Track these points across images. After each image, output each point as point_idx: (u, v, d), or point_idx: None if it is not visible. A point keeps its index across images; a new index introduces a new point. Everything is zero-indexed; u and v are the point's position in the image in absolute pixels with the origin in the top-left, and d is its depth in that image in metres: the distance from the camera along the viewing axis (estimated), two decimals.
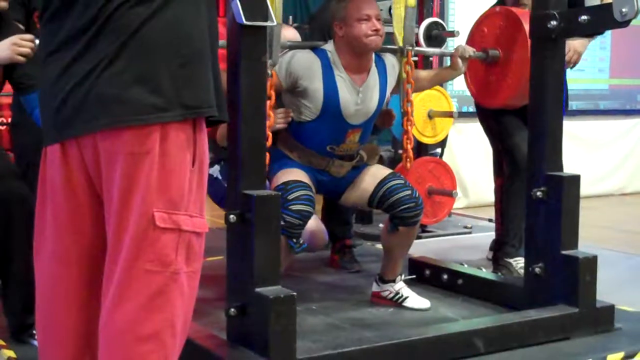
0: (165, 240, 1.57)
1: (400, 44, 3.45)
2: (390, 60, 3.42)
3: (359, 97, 3.23)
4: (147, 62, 1.54)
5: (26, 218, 2.72)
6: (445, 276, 3.71)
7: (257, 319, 2.53)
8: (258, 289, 2.53)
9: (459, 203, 5.88)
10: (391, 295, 3.45)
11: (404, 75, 3.46)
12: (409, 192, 3.25)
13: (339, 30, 3.20)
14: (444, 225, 5.26)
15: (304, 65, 3.17)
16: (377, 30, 3.15)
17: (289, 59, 3.15)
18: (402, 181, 3.30)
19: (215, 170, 3.42)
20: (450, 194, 4.91)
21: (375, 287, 3.51)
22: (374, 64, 3.31)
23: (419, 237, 5.02)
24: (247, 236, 2.56)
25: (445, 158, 5.50)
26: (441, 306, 3.44)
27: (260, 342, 2.51)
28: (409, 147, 3.65)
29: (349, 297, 3.59)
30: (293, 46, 3.26)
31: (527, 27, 3.43)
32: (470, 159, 6.08)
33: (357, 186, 3.36)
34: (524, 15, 3.56)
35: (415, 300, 3.42)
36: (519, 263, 3.90)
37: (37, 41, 2.33)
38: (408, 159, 3.69)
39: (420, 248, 4.70)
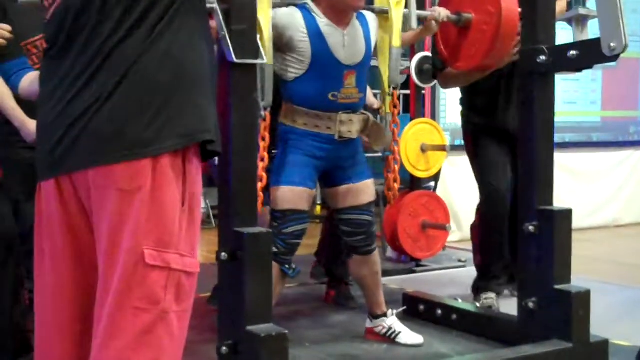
0: (155, 278, 1.56)
1: (386, 85, 3.43)
2: (370, 15, 3.40)
3: (344, 39, 3.22)
4: (141, 96, 1.55)
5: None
6: (439, 311, 3.69)
7: (249, 357, 2.51)
8: (250, 327, 2.51)
9: (453, 236, 5.87)
10: (384, 330, 3.43)
11: (389, 114, 3.46)
12: (365, 229, 3.34)
13: None
14: (438, 259, 5.25)
15: (286, 17, 3.16)
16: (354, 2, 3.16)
17: (272, 15, 3.11)
18: (369, 219, 3.36)
19: None
20: (444, 228, 4.92)
21: (368, 323, 3.50)
22: (354, 17, 3.30)
23: (412, 272, 5.04)
24: (239, 274, 2.55)
25: (438, 192, 5.50)
26: (435, 342, 3.43)
27: None
28: (395, 185, 3.66)
29: (342, 334, 3.57)
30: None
31: None
32: (463, 192, 6.08)
33: (340, 192, 3.35)
34: None
35: (408, 335, 3.41)
36: (487, 299, 3.90)
37: None
38: (393, 197, 3.72)
39: (414, 282, 4.70)
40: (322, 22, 3.19)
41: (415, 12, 3.42)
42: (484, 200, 4.03)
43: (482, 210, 4.06)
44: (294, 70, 3.20)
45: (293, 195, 3.17)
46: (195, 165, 1.66)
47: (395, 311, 3.48)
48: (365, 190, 3.37)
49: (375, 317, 3.46)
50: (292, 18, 3.17)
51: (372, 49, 3.38)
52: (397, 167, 3.63)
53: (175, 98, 1.58)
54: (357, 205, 3.33)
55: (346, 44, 3.22)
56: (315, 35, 3.17)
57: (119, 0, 1.56)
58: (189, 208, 1.63)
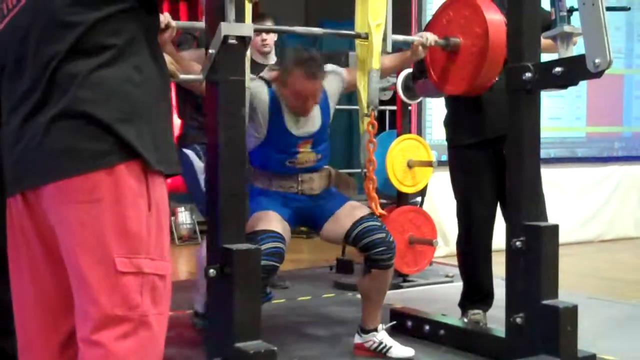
0: (129, 284, 1.62)
1: (364, 106, 3.45)
2: (329, 82, 3.45)
3: (299, 121, 3.35)
4: (91, 113, 1.59)
5: None
6: (427, 327, 3.70)
7: None
8: (238, 344, 2.51)
9: (440, 252, 5.88)
10: (374, 345, 3.44)
11: (367, 135, 3.49)
12: (383, 235, 3.30)
13: (279, 87, 3.31)
14: (425, 274, 5.25)
15: (257, 88, 3.28)
16: (310, 105, 3.30)
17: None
18: (379, 223, 3.35)
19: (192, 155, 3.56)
20: (430, 243, 4.93)
21: (357, 339, 3.50)
22: None
23: (399, 287, 5.04)
24: (227, 290, 2.55)
25: (425, 207, 5.51)
26: (423, 357, 3.43)
27: None
28: (373, 207, 3.66)
29: (331, 350, 3.57)
30: None
31: (488, 15, 3.47)
32: (450, 208, 6.08)
33: (335, 221, 3.39)
34: (485, 4, 3.55)
35: (399, 349, 3.42)
36: (475, 315, 3.92)
37: None
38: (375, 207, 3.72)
39: (401, 297, 4.70)
40: (283, 103, 3.32)
41: (390, 36, 3.46)
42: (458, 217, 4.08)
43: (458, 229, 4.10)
44: (254, 139, 3.32)
45: (264, 217, 3.20)
46: (159, 186, 1.70)
47: (384, 326, 3.49)
48: (351, 209, 3.40)
49: (366, 331, 3.47)
50: (260, 90, 3.30)
51: (331, 112, 3.49)
52: (372, 187, 3.63)
53: (127, 120, 1.62)
54: (358, 219, 3.34)
55: (300, 119, 3.35)
56: (274, 107, 3.30)
57: (62, 24, 1.61)
58: (156, 212, 1.68)
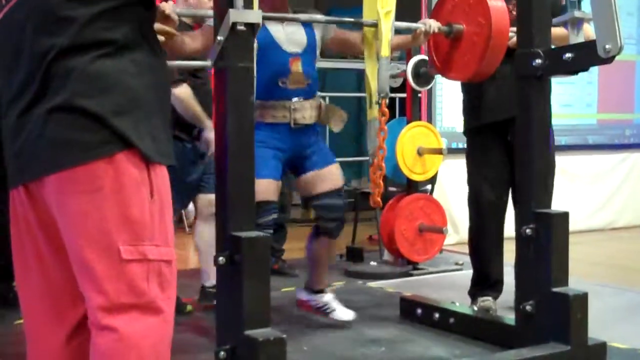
0: (135, 272, 1.62)
1: (373, 93, 3.47)
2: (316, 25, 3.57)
3: (283, 28, 3.47)
4: (90, 103, 1.59)
5: None
6: (437, 315, 3.69)
7: None
8: (247, 332, 2.51)
9: (450, 239, 5.86)
10: (319, 305, 3.70)
11: (375, 122, 3.54)
12: (339, 214, 3.56)
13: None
14: (435, 262, 5.24)
15: None
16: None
17: None
18: (341, 202, 3.58)
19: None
20: (441, 231, 4.92)
21: (302, 295, 3.76)
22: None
23: (409, 275, 5.03)
24: (237, 278, 2.54)
25: (435, 195, 5.50)
26: (433, 345, 3.43)
27: None
28: (375, 195, 3.77)
29: (340, 337, 3.57)
30: None
31: (491, 2, 3.44)
32: (460, 195, 6.08)
33: (311, 179, 3.57)
34: None
35: (342, 312, 3.67)
36: (485, 302, 3.91)
37: None
38: (379, 194, 3.82)
39: (411, 285, 4.70)
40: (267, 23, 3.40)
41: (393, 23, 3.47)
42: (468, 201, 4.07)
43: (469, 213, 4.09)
44: None
45: (262, 187, 3.24)
46: (162, 177, 1.71)
47: (333, 292, 3.74)
48: (330, 176, 3.58)
49: (314, 292, 3.72)
50: None
51: (317, 40, 3.56)
52: (381, 174, 3.71)
53: (122, 107, 1.62)
54: (327, 192, 3.54)
55: (287, 32, 3.46)
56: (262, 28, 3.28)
57: (58, 18, 1.61)
58: (159, 199, 1.68)
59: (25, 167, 1.66)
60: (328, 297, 3.70)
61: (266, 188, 3.33)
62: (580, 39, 3.07)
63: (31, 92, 1.62)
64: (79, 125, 1.59)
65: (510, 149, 3.75)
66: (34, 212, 1.70)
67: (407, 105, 5.23)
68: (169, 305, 1.70)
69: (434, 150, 4.98)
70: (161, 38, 2.44)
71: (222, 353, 2.56)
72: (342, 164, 3.86)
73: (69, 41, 1.60)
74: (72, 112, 1.59)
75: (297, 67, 3.44)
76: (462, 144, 4.53)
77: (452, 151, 5.54)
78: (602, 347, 3.04)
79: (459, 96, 4.17)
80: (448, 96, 6.17)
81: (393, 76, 5.04)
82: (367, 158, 4.87)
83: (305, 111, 3.48)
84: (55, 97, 1.60)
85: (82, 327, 1.71)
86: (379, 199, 3.81)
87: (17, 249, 1.76)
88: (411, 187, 5.07)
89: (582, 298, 2.98)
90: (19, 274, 1.77)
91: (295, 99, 3.45)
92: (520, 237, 3.09)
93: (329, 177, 3.57)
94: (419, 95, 5.31)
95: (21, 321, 1.83)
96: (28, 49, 1.64)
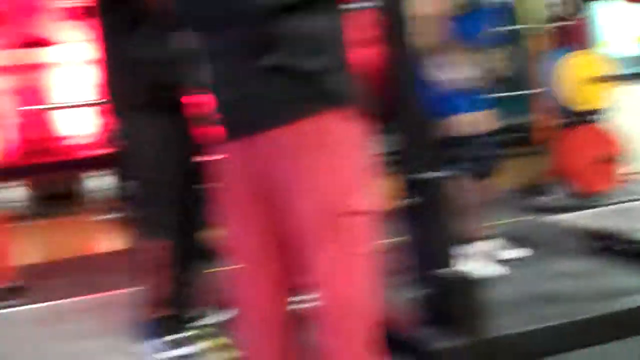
0: (356, 224, 1.66)
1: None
2: None
3: None
4: (297, 62, 1.64)
5: None
6: (629, 245, 3.56)
7: (449, 299, 2.56)
8: (437, 271, 2.55)
9: (630, 168, 5.63)
10: None
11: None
12: None
13: None
14: (616, 193, 5.05)
15: None
16: None
17: None
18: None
19: None
20: (618, 160, 4.76)
21: None
22: None
23: (590, 207, 4.86)
24: (421, 221, 2.58)
25: (610, 124, 5.30)
26: (629, 277, 3.27)
27: (453, 321, 2.54)
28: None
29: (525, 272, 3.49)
30: None
31: None
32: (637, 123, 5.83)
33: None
34: None
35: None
36: None
37: None
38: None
39: (591, 218, 4.54)
40: None
41: None
42: None
43: None
44: None
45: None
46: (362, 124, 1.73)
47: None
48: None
49: None
50: None
51: None
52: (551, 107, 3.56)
53: (330, 66, 1.66)
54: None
55: None
56: None
57: None
58: (363, 153, 1.72)
59: (238, 124, 1.71)
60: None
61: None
62: None
63: (243, 50, 1.67)
64: (293, 84, 1.64)
65: None
66: (245, 169, 1.74)
67: (574, 33, 5.04)
68: (379, 254, 1.74)
69: (605, 78, 4.80)
70: None
71: (416, 293, 2.61)
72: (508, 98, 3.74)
73: (281, 2, 1.64)
74: (286, 71, 1.64)
75: None
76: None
77: (624, 77, 5.30)
78: None
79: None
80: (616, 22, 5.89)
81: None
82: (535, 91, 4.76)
83: None
84: (271, 57, 1.64)
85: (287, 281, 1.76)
86: (548, 132, 3.66)
87: (231, 209, 1.80)
88: (581, 118, 4.92)
89: None
90: (232, 236, 1.81)
91: None
92: None
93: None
94: (581, 22, 5.10)
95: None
96: (241, 5, 1.66)
